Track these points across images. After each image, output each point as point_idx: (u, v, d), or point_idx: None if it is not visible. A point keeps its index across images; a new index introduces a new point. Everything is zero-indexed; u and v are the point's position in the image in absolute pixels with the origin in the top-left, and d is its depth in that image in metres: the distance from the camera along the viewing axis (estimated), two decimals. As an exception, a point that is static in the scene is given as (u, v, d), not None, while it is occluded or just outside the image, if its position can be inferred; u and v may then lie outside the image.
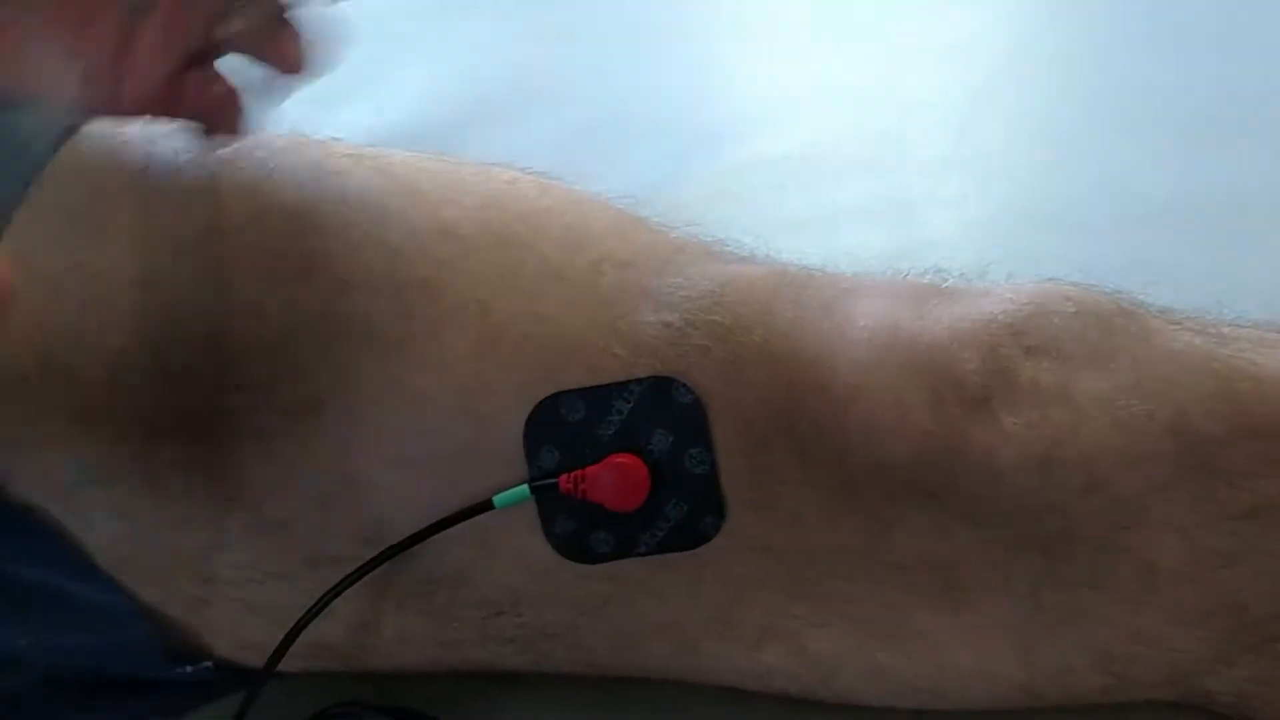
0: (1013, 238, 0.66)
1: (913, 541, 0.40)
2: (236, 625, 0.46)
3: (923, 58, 0.82)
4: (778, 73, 0.85)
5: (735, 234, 0.69)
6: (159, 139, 0.46)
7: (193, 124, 0.40)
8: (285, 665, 0.44)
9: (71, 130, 0.40)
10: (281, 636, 0.44)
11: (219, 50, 0.39)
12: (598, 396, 0.41)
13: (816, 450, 0.40)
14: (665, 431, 0.41)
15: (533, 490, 0.41)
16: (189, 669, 0.47)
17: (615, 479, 0.41)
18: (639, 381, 0.41)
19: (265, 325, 0.42)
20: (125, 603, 0.45)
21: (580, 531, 0.42)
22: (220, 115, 0.40)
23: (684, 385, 0.40)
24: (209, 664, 0.47)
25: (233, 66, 0.41)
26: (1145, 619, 0.40)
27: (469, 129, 0.80)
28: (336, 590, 0.42)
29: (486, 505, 0.41)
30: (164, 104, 0.38)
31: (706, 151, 0.78)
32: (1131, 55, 0.77)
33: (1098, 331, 0.40)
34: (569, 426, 0.41)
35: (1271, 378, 0.39)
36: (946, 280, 0.44)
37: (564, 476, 0.41)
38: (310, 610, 0.43)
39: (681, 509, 0.41)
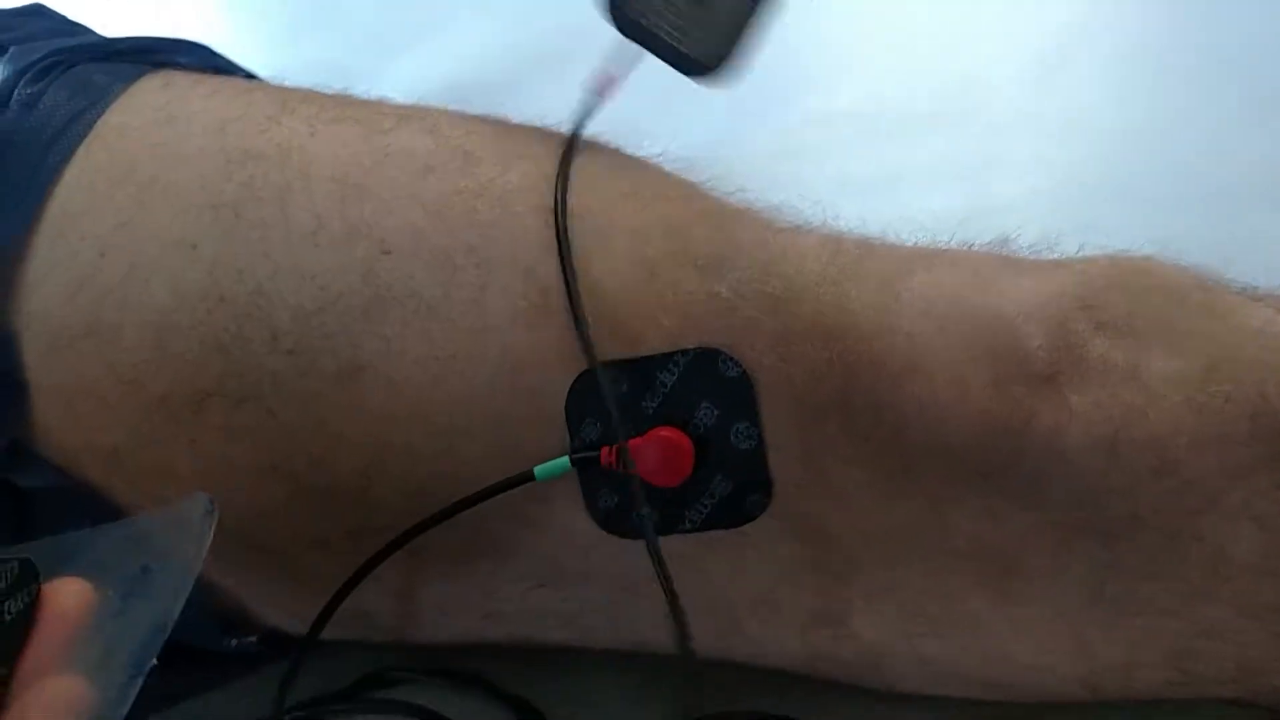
0: (1086, 206, 0.63)
1: (969, 525, 0.39)
2: (281, 593, 0.46)
3: (1003, 6, 0.78)
4: (847, 20, 0.81)
5: (795, 196, 0.67)
6: (205, 100, 0.46)
7: None
8: (330, 634, 0.44)
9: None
10: (323, 605, 0.44)
11: None
12: (642, 368, 0.40)
13: (870, 428, 0.38)
14: (711, 405, 0.40)
15: (573, 463, 0.40)
16: (234, 642, 0.47)
17: (658, 453, 0.39)
18: (684, 353, 0.39)
19: (308, 289, 0.41)
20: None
21: (623, 506, 0.41)
22: None
23: (730, 358, 0.39)
24: (253, 639, 0.47)
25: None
26: (1215, 612, 0.38)
27: (526, 82, 0.78)
28: (376, 560, 0.42)
29: (528, 476, 0.40)
30: None
31: (769, 106, 0.76)
32: (1229, 10, 0.72)
33: (1173, 308, 0.38)
34: (612, 399, 0.40)
35: None
36: (1015, 251, 0.42)
37: (605, 449, 0.40)
38: (350, 580, 0.42)
39: (727, 485, 0.40)
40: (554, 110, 0.50)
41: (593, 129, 0.63)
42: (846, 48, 0.79)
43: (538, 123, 0.49)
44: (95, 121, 0.44)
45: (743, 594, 0.42)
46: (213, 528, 0.37)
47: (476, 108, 0.68)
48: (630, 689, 0.47)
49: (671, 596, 0.38)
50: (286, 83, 0.52)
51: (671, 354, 0.39)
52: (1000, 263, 0.40)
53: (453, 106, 0.53)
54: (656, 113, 0.77)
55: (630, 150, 0.72)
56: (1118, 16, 0.74)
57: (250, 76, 0.54)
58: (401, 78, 0.75)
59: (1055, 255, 0.41)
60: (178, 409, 0.42)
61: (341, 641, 0.48)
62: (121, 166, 0.43)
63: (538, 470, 0.40)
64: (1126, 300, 0.38)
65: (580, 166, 0.44)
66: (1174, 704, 0.41)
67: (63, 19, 0.54)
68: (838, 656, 0.42)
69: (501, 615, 0.45)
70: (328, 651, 0.48)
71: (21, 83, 0.46)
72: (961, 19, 0.78)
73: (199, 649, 0.47)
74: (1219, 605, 0.37)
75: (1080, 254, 0.41)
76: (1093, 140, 0.67)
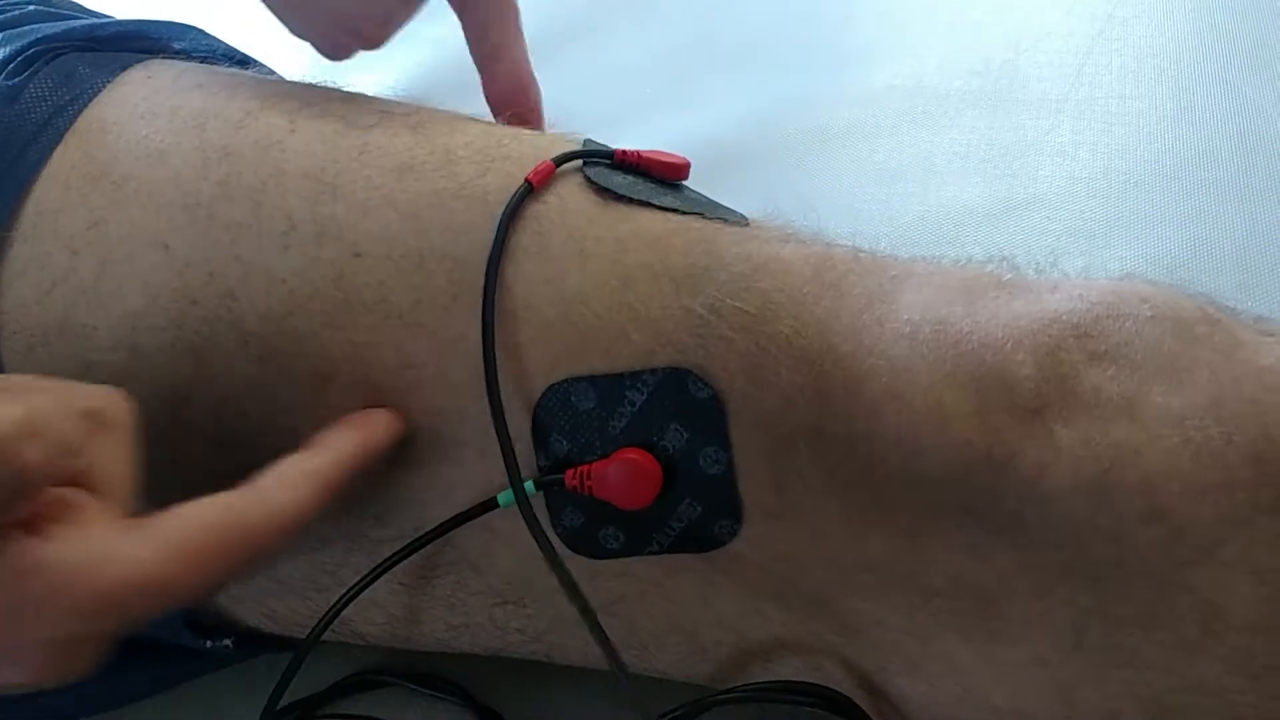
0: (1125, 196, 0.59)
1: (948, 562, 0.36)
2: (256, 594, 0.45)
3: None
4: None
5: (821, 184, 0.64)
6: (187, 94, 0.45)
7: None
8: (300, 631, 0.44)
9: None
10: (298, 605, 0.45)
11: None
12: (610, 385, 0.38)
13: (845, 457, 0.36)
14: (680, 427, 0.38)
15: (539, 487, 0.39)
16: (208, 644, 0.47)
17: (624, 475, 0.38)
18: (653, 372, 0.38)
19: (278, 292, 0.40)
20: None
21: (589, 526, 0.39)
22: None
23: (701, 380, 0.37)
24: (228, 643, 0.47)
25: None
26: (1206, 668, 0.35)
27: (557, 43, 0.75)
28: (362, 584, 0.42)
29: (490, 504, 0.39)
30: None
31: (803, 83, 0.73)
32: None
33: (1176, 340, 0.35)
34: (579, 415, 0.38)
35: None
36: (1012, 272, 0.39)
37: (569, 472, 0.38)
38: (339, 600, 0.42)
39: (695, 510, 0.38)
40: (587, 75, 0.48)
41: (619, 104, 0.61)
42: (883, 24, 0.75)
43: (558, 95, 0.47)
44: (76, 117, 0.44)
45: (710, 620, 0.40)
46: None
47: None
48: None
49: (589, 617, 0.38)
50: (275, 73, 0.51)
51: (640, 372, 0.38)
52: (994, 284, 0.38)
53: (476, 75, 0.51)
54: (684, 89, 0.74)
55: (652, 128, 0.70)
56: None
57: (244, 61, 0.53)
58: (433, 39, 0.73)
59: (1055, 277, 0.38)
60: (155, 411, 0.42)
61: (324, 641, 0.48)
62: (99, 164, 0.43)
63: (501, 497, 0.39)
64: (1125, 329, 0.35)
65: (562, 175, 0.42)
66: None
67: None
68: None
69: (468, 628, 0.44)
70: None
71: (4, 74, 0.45)
72: (1005, -1, 0.73)
73: (169, 646, 0.47)
74: (1210, 661, 0.35)
75: (1081, 278, 0.38)
76: (1142, 122, 0.63)
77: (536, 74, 0.51)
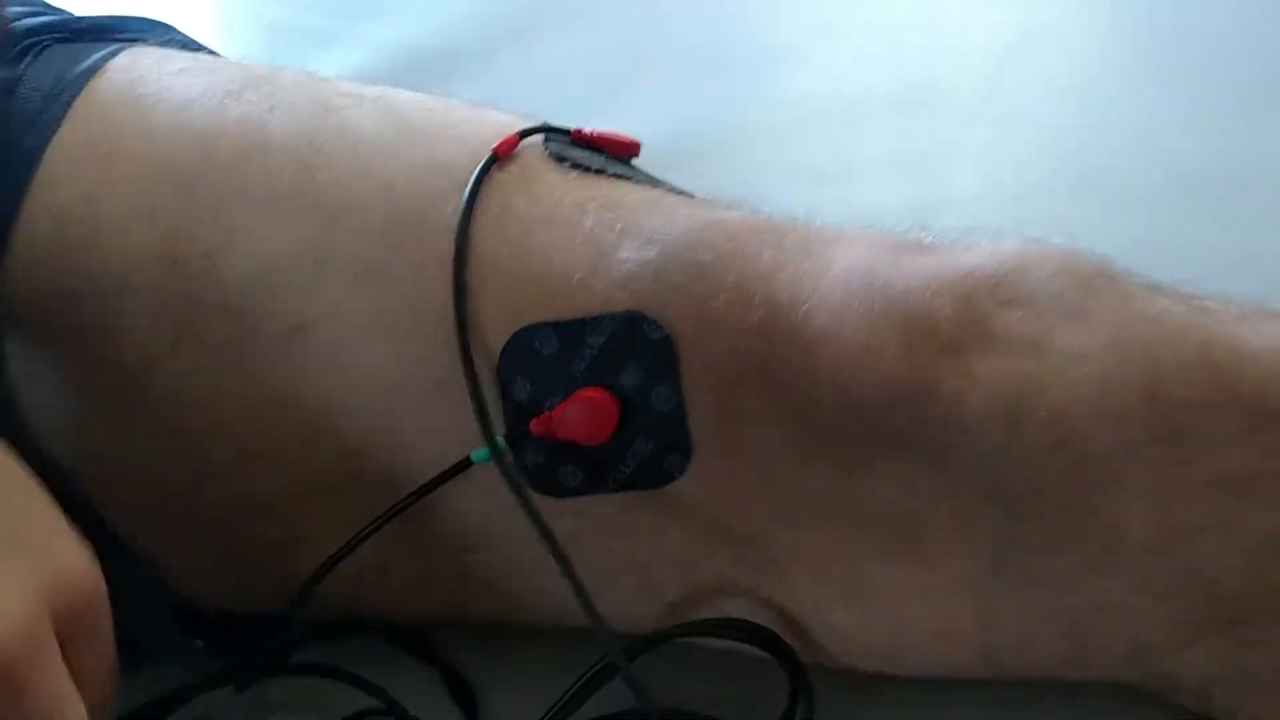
0: (1034, 200, 0.64)
1: (879, 491, 0.40)
2: (229, 562, 0.47)
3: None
4: (806, 3, 0.82)
5: (743, 185, 0.68)
6: (171, 78, 0.47)
7: None
8: (265, 606, 0.46)
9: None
10: (265, 572, 0.46)
11: None
12: (570, 330, 0.41)
13: (785, 394, 0.40)
14: (635, 367, 0.41)
15: (509, 442, 0.42)
16: (198, 643, 0.49)
17: (582, 412, 0.41)
18: (611, 317, 0.41)
19: (257, 254, 0.43)
20: (138, 567, 0.47)
21: (550, 464, 0.42)
22: None
23: (654, 322, 0.40)
24: (199, 644, 0.49)
25: None
26: (1110, 588, 0.39)
27: (493, 50, 0.77)
28: (353, 542, 0.44)
29: (465, 464, 0.42)
30: None
31: (726, 87, 0.77)
32: (1185, 10, 0.73)
33: (1076, 291, 0.39)
34: (542, 359, 0.41)
35: (1251, 351, 0.37)
36: (929, 238, 0.44)
37: (534, 421, 0.41)
38: (334, 555, 0.44)
39: (648, 445, 0.41)
40: (511, 85, 0.50)
41: (550, 109, 0.64)
42: (806, 31, 0.80)
43: (490, 99, 0.50)
44: (71, 103, 0.46)
45: (662, 558, 0.43)
46: None
47: (442, 74, 0.69)
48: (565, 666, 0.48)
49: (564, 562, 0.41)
50: (248, 60, 0.54)
51: (599, 317, 0.41)
52: (916, 245, 0.42)
53: (410, 78, 0.53)
54: (612, 94, 0.78)
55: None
56: (1077, 7, 0.75)
57: (212, 54, 0.56)
58: (369, 42, 0.76)
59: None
60: (133, 373, 0.44)
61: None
62: (86, 144, 0.45)
63: (474, 454, 0.42)
64: (1032, 280, 0.39)
65: (525, 147, 0.45)
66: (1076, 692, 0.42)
67: None
68: None
69: (432, 580, 0.46)
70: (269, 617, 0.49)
71: None
72: (921, 5, 0.79)
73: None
74: (1115, 581, 0.39)
75: (992, 241, 0.42)
76: (1051, 130, 0.68)
77: (472, 78, 0.53)
